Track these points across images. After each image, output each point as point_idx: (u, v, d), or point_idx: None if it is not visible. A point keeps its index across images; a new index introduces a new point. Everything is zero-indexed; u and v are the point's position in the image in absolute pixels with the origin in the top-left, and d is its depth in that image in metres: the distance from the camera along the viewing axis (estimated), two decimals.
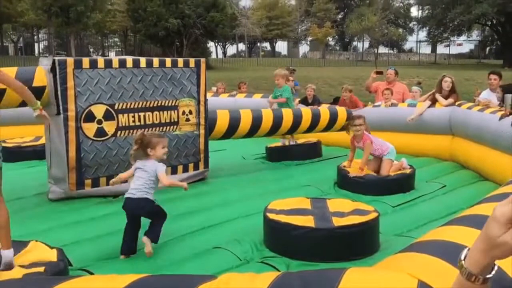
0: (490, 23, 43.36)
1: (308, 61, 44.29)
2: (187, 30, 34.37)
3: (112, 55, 48.98)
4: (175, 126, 5.57)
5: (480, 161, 6.08)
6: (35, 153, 7.02)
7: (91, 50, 52.91)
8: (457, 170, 6.44)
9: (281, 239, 3.53)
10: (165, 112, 5.47)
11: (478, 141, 6.17)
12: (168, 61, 5.57)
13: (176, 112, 5.56)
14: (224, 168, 6.47)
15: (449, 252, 1.76)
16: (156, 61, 5.43)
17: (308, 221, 3.48)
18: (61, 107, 4.81)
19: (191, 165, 5.76)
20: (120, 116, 5.15)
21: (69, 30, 33.92)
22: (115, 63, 5.12)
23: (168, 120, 5.50)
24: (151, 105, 5.36)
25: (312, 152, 7.26)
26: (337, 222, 3.46)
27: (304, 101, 8.78)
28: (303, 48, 64.14)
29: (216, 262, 3.39)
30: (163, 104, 5.45)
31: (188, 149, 5.70)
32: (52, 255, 2.89)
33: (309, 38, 57.55)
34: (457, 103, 7.02)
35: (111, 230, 4.03)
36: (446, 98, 7.12)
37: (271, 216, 3.62)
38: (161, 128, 5.43)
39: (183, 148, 5.65)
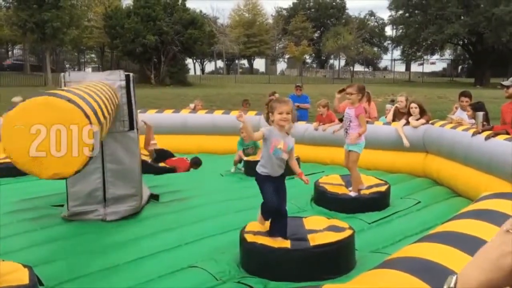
0: (462, 42, 44.65)
1: (286, 78, 44.66)
2: (165, 47, 34.39)
3: (88, 71, 48.54)
4: None
5: (452, 177, 6.20)
6: (8, 170, 6.88)
7: (67, 66, 52.31)
8: (430, 186, 6.55)
9: (258, 261, 3.51)
10: None
11: (451, 158, 6.30)
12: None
13: None
14: (201, 184, 6.45)
15: (419, 268, 1.79)
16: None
17: (284, 242, 3.49)
18: (135, 122, 4.85)
19: None
20: None
21: (44, 46, 33.52)
22: None
23: None
24: None
25: (290, 168, 7.24)
26: (313, 241, 3.47)
27: None
28: (281, 66, 64.74)
29: (192, 281, 3.36)
30: None
31: None
32: (23, 274, 2.82)
33: (287, 56, 58.17)
34: (430, 121, 7.17)
35: (83, 249, 3.97)
36: (418, 119, 7.24)
37: (248, 237, 3.60)
38: None
39: None
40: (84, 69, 48.85)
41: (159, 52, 34.67)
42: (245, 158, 7.20)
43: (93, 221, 4.82)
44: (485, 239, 2.32)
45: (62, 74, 4.62)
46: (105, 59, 47.45)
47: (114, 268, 3.61)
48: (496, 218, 2.76)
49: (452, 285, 0.94)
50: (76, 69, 48.88)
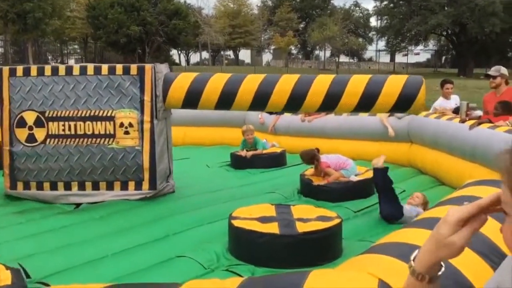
0: (445, 33, 44.98)
1: (272, 69, 44.60)
2: (149, 38, 34.11)
3: (71, 62, 47.90)
4: (111, 139, 5.11)
5: (437, 166, 6.29)
6: None
7: (49, 57, 51.54)
8: (415, 175, 6.64)
9: (246, 246, 3.55)
10: (99, 122, 5.10)
11: (435, 147, 6.39)
12: (105, 67, 5.14)
13: (113, 123, 5.09)
14: (187, 176, 6.45)
15: (405, 252, 1.82)
16: (90, 67, 5.15)
17: (272, 228, 3.53)
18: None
19: (131, 183, 5.17)
20: None
21: (26, 37, 32.99)
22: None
23: (102, 132, 5.10)
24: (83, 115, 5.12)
25: (276, 161, 7.32)
26: (301, 228, 3.52)
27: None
28: (266, 57, 64.56)
29: (180, 270, 3.37)
30: (96, 114, 5.10)
31: (128, 165, 5.13)
32: (6, 277, 2.78)
33: (272, 47, 58.00)
34: None
35: (70, 241, 3.96)
36: None
37: (236, 223, 3.64)
38: (94, 139, 5.11)
39: (121, 163, 5.12)
40: (68, 61, 48.18)
41: (143, 43, 34.41)
42: (243, 153, 7.22)
43: (78, 213, 4.82)
44: None
45: (151, 65, 5.12)
46: (88, 50, 46.88)
47: (102, 259, 3.61)
48: None
49: (412, 257, 1.05)
50: (59, 61, 48.20)
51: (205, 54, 56.99)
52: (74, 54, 53.37)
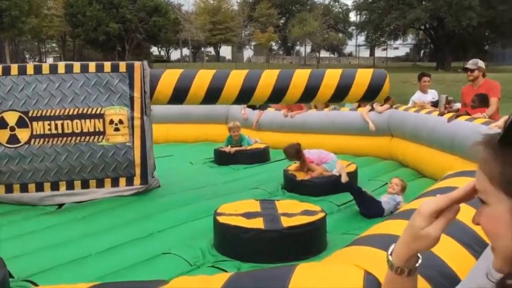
0: (423, 27, 45.48)
1: (253, 65, 44.56)
2: (128, 35, 33.78)
3: (50, 61, 47.13)
4: (100, 136, 5.12)
5: (417, 159, 6.39)
6: None
7: (27, 56, 50.61)
8: (396, 168, 6.73)
9: (231, 242, 3.57)
10: (87, 120, 5.09)
11: (415, 140, 6.48)
12: (92, 65, 5.14)
13: (102, 121, 5.10)
14: (171, 173, 6.43)
15: (389, 243, 1.86)
16: (77, 66, 5.10)
17: (257, 223, 3.55)
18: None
19: (122, 180, 5.20)
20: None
21: (3, 36, 32.34)
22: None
23: (91, 130, 5.09)
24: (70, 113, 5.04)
25: (260, 157, 7.35)
26: (286, 222, 3.55)
27: (252, 106, 8.89)
28: (247, 53, 64.43)
29: (166, 267, 3.37)
30: (85, 112, 5.06)
31: (119, 162, 5.15)
32: None
33: (253, 43, 57.96)
34: (394, 106, 7.34)
35: (54, 242, 3.92)
36: (382, 105, 7.41)
37: (221, 219, 3.65)
38: (83, 137, 5.07)
39: (112, 160, 5.13)
40: (46, 60, 47.36)
41: (122, 40, 34.06)
42: (227, 149, 7.22)
43: (61, 213, 4.77)
44: None
45: (140, 62, 5.22)
46: (67, 49, 46.17)
47: (86, 258, 3.58)
48: None
49: (389, 251, 1.05)
50: (37, 60, 47.38)
51: (186, 51, 56.67)
52: (52, 53, 52.49)
